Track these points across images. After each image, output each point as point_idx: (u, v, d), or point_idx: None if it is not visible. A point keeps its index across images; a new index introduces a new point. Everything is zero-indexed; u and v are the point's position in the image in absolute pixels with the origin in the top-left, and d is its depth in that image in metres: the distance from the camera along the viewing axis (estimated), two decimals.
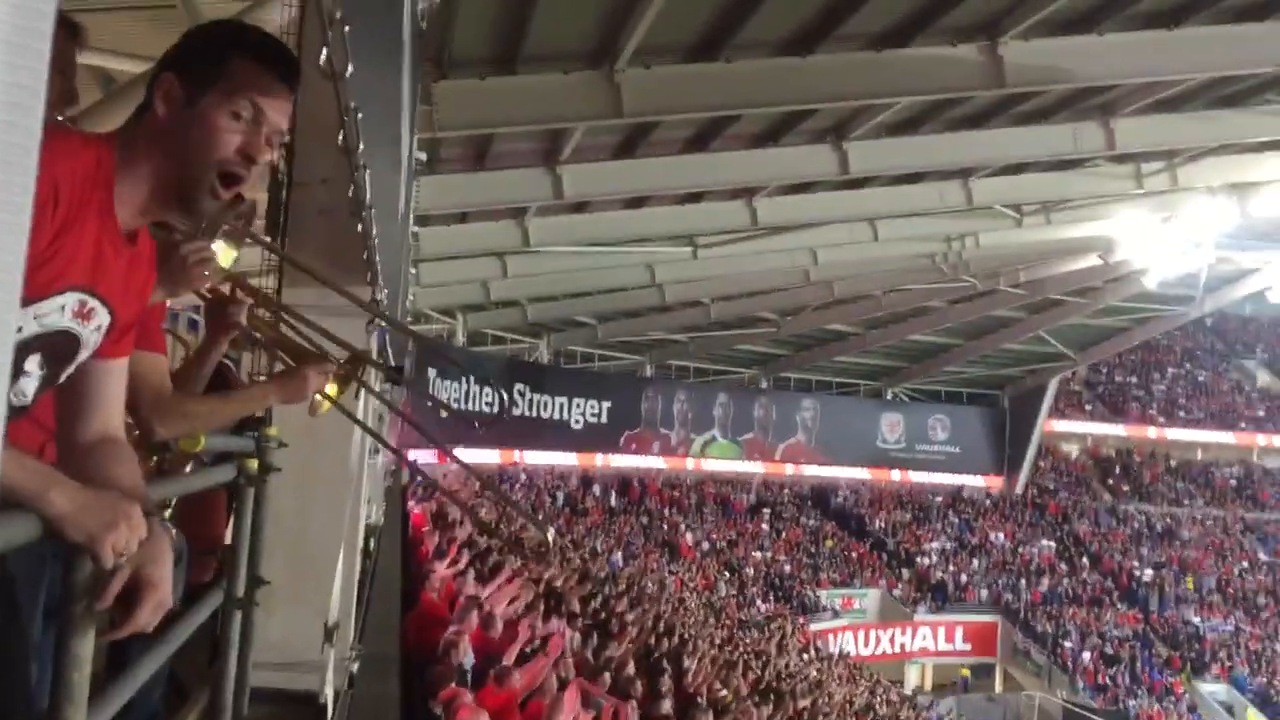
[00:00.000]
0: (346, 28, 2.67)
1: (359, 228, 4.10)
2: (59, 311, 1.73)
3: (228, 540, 3.76)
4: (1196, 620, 33.64)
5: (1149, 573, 35.71)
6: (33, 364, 1.78)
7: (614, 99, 11.84)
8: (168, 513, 3.56)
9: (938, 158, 16.69)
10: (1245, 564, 36.99)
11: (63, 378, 1.85)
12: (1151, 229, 22.80)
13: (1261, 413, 43.95)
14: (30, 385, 1.79)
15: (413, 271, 16.49)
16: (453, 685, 6.50)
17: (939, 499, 38.17)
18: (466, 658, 7.39)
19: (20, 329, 1.70)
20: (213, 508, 4.39)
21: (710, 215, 18.80)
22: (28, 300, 1.68)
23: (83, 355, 1.85)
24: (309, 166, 3.80)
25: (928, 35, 11.90)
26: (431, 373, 26.98)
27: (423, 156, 12.79)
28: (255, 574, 3.21)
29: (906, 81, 12.74)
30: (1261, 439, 42.59)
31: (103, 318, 1.82)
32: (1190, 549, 37.30)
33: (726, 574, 31.74)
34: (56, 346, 1.78)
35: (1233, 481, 41.57)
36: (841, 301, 28.20)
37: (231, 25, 1.96)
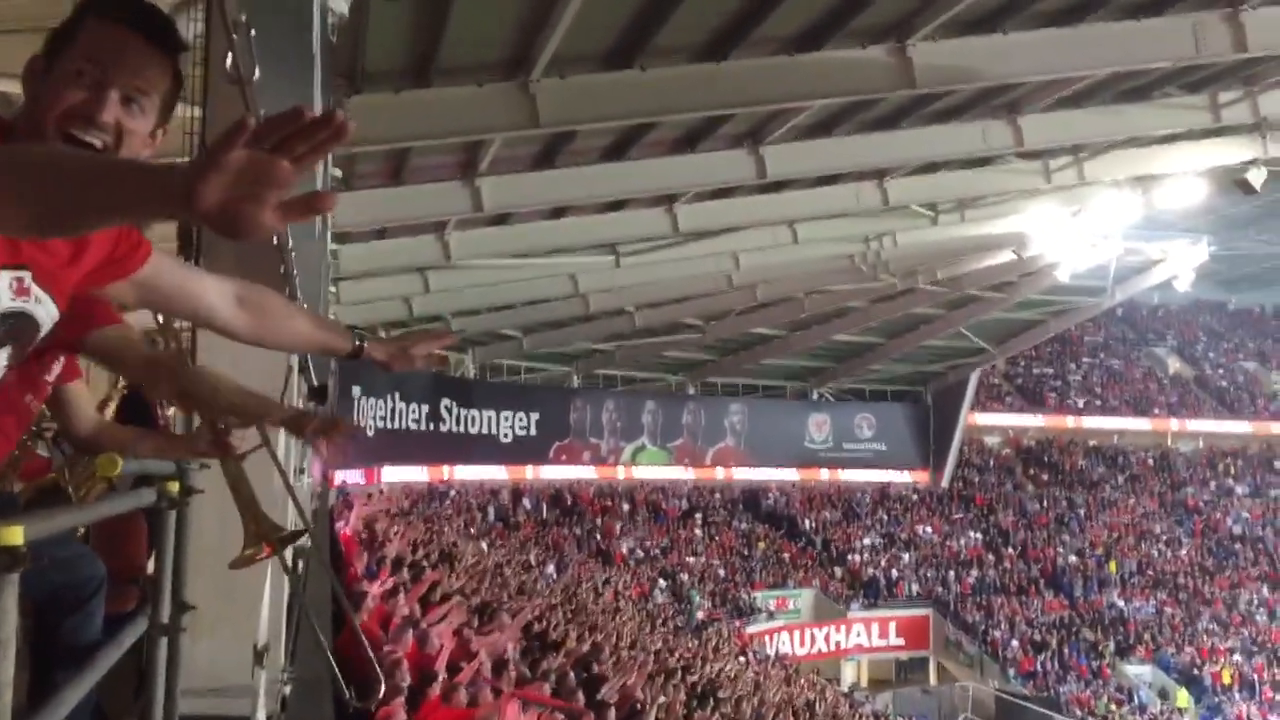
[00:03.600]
0: (252, 31, 2.62)
1: (274, 242, 4.03)
2: (6, 291, 1.69)
3: (150, 568, 3.67)
4: (1121, 603, 34.46)
5: (1073, 559, 36.51)
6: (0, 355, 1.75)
7: (530, 109, 11.82)
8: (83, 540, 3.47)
9: (853, 159, 16.93)
10: (1163, 546, 37.98)
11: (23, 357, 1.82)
12: (1062, 223, 23.36)
13: (1174, 398, 45.21)
14: None
15: (332, 290, 16.28)
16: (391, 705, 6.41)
17: (867, 496, 38.64)
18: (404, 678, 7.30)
19: None
20: (133, 534, 4.26)
21: (631, 223, 18.85)
22: None
23: (43, 333, 1.81)
24: None
25: (839, 38, 12.07)
26: (356, 390, 26.66)
27: (338, 173, 12.65)
28: (180, 599, 3.13)
29: (820, 84, 12.91)
30: (1175, 424, 43.81)
31: (39, 292, 1.77)
32: (1111, 533, 38.22)
33: (661, 581, 31.77)
34: (15, 331, 1.74)
35: (1150, 464, 42.71)
36: (765, 305, 28.43)
37: None
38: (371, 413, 28.08)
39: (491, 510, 32.83)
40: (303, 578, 5.84)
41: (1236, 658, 32.32)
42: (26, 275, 1.74)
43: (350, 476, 25.97)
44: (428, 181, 15.12)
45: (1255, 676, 31.58)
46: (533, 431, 33.88)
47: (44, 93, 1.73)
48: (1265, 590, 35.93)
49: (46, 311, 1.81)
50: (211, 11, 2.81)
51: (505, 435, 33.25)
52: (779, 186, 17.94)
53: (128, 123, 1.76)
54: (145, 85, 1.78)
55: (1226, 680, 31.11)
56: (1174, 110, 16.58)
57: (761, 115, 14.59)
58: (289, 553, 4.36)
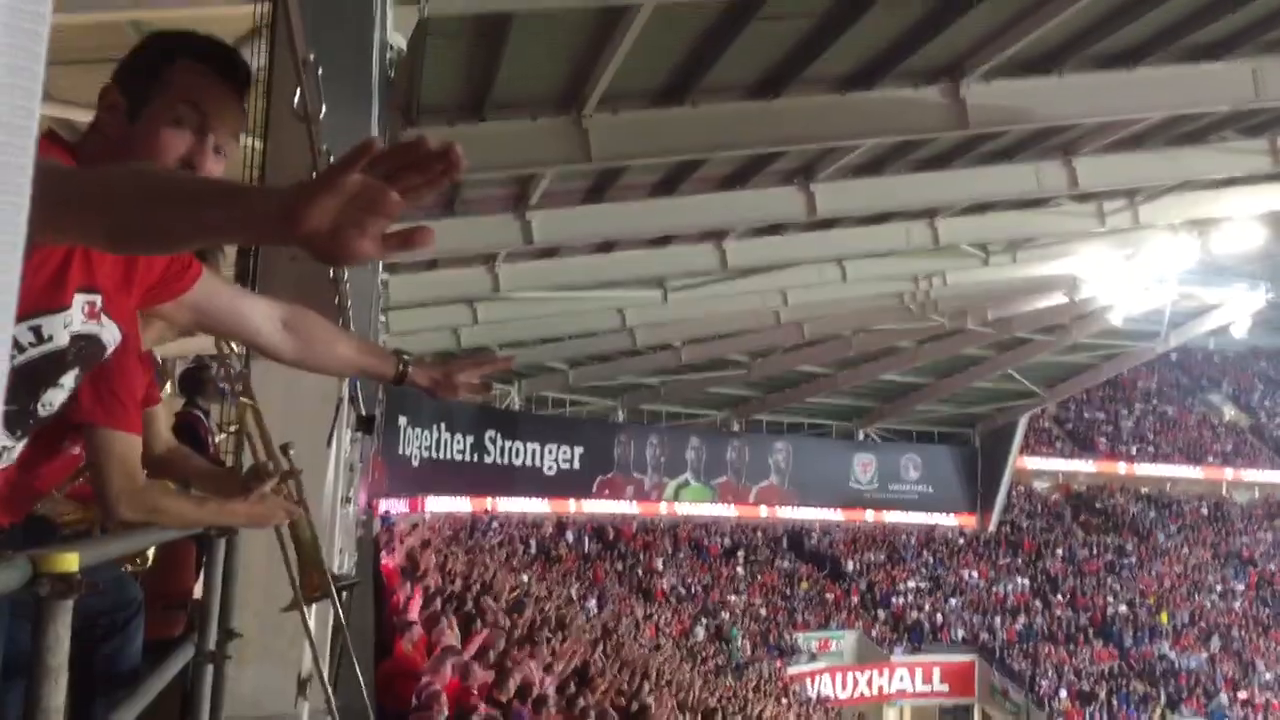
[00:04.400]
0: (320, 70, 2.66)
1: (330, 274, 4.08)
2: (79, 315, 1.73)
3: (197, 593, 3.69)
4: (1172, 654, 33.69)
5: (1123, 608, 35.78)
6: (69, 378, 1.77)
7: (582, 144, 11.91)
8: (146, 565, 3.50)
9: (904, 198, 16.85)
10: (1216, 597, 37.13)
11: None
12: (1115, 266, 23.07)
13: (1229, 447, 44.36)
14: (60, 397, 1.79)
15: (382, 320, 16.43)
16: None
17: (913, 538, 38.16)
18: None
19: (51, 338, 1.70)
20: (181, 560, 4.30)
21: (680, 258, 18.87)
22: (53, 310, 1.68)
23: (107, 355, 1.85)
24: None
25: (891, 78, 12.07)
26: (402, 420, 26.84)
27: None
28: (227, 627, 3.14)
29: (871, 123, 12.89)
30: (1229, 473, 42.95)
31: (105, 317, 1.82)
32: (1163, 583, 37.43)
33: (703, 619, 31.53)
34: (84, 353, 1.77)
35: (1203, 512, 41.83)
36: (812, 342, 28.29)
37: (173, 32, 1.90)
38: (417, 443, 28.25)
39: (534, 543, 32.81)
40: (347, 606, 5.85)
41: None
42: (99, 299, 1.78)
43: (395, 506, 26.08)
44: (479, 214, 15.25)
45: None
46: (576, 465, 33.87)
47: (141, 135, 1.76)
48: None
49: (110, 335, 1.85)
50: (276, 45, 2.86)
51: (549, 468, 33.27)
52: (828, 224, 17.89)
53: (214, 169, 1.81)
54: (234, 134, 1.84)
55: None
56: (1232, 154, 16.36)
57: (812, 153, 14.60)
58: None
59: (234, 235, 1.27)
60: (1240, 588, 37.93)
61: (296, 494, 3.22)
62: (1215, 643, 34.45)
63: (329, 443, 3.62)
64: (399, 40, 7.65)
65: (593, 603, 27.76)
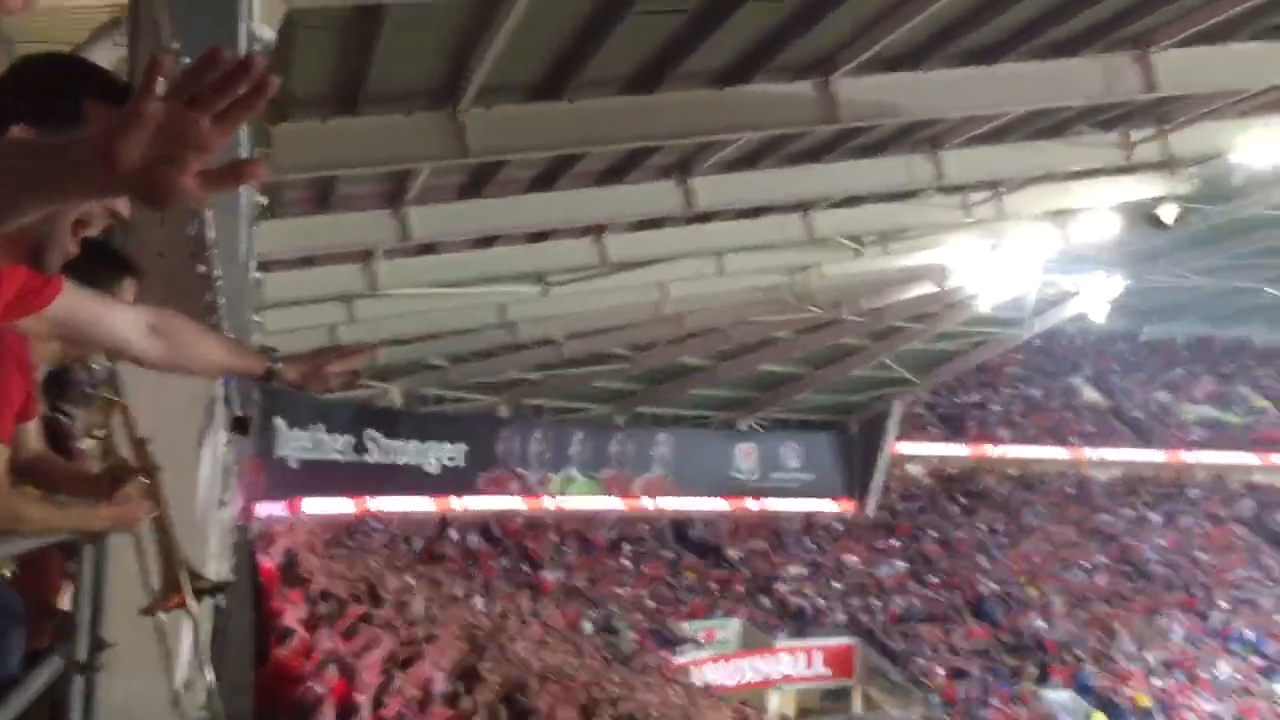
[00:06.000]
0: (184, 60, 2.59)
1: (200, 269, 3.98)
2: None
3: (64, 603, 3.57)
4: (1041, 629, 35.01)
5: (995, 586, 37.05)
6: None
7: (458, 139, 11.80)
8: (7, 573, 3.37)
9: (779, 192, 17.13)
10: (1082, 573, 38.71)
11: None
12: (982, 256, 23.87)
13: (1089, 427, 46.20)
14: None
15: (258, 319, 16.03)
16: None
17: (794, 526, 38.87)
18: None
19: None
20: (46, 568, 4.15)
21: (559, 253, 18.86)
22: None
23: None
24: None
25: (765, 73, 12.25)
26: (279, 422, 26.26)
27: (263, 200, 12.49)
28: (98, 636, 3.05)
29: (747, 118, 13.07)
30: (1090, 452, 44.76)
31: None
32: (1032, 560, 38.87)
33: (590, 612, 31.60)
34: None
35: (1068, 491, 43.58)
36: (692, 335, 28.58)
37: (73, 63, 1.84)
38: (295, 444, 27.66)
39: (418, 542, 32.43)
40: (228, 612, 5.73)
41: (1156, 680, 33.01)
42: None
43: (273, 509, 25.51)
44: (355, 210, 14.99)
45: (1170, 699, 32.25)
46: (460, 462, 33.61)
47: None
48: (1180, 615, 36.77)
49: None
50: (138, 36, 2.78)
51: (432, 466, 32.94)
52: (706, 218, 18.10)
53: (124, 206, 1.78)
54: None
55: (1143, 703, 31.73)
56: (1088, 148, 17.06)
57: (690, 147, 14.73)
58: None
59: (62, 191, 1.20)
60: (1104, 562, 39.61)
61: (157, 492, 3.17)
62: (1081, 616, 35.92)
63: (200, 443, 3.54)
64: (268, 32, 7.47)
65: (479, 600, 27.58)
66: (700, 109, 12.60)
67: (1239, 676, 33.88)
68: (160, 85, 1.05)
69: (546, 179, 15.09)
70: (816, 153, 15.86)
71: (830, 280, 23.59)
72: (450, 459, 33.37)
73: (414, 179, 13.86)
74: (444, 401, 34.83)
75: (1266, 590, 39.01)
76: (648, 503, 37.69)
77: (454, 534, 33.76)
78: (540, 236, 18.11)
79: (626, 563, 35.41)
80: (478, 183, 14.77)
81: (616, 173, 15.34)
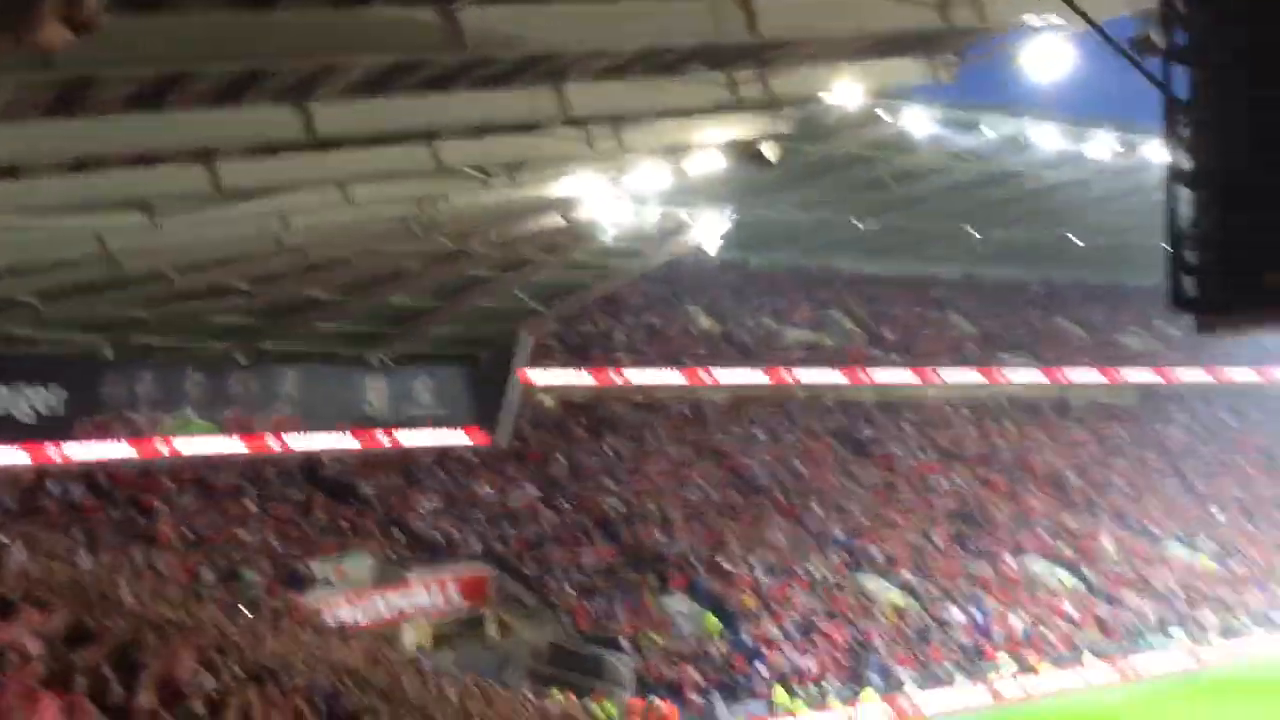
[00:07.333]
0: None
1: None
2: None
3: None
4: (662, 540, 37.27)
5: (620, 506, 38.94)
6: None
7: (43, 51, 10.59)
8: None
9: (405, 120, 16.84)
10: (698, 489, 41.48)
11: None
12: (605, 188, 24.67)
13: (704, 352, 49.23)
14: None
15: None
16: None
17: (428, 459, 38.82)
18: None
19: None
20: None
21: (168, 179, 17.51)
22: None
23: None
24: None
25: None
26: None
27: None
28: None
29: (369, 42, 12.68)
30: (704, 375, 47.76)
31: None
32: (654, 480, 41.16)
33: (212, 561, 30.08)
34: None
35: (686, 414, 46.39)
36: (316, 267, 27.60)
37: None
38: None
39: (10, 498, 29.41)
40: None
41: (762, 579, 36.19)
42: None
43: None
44: None
45: (773, 597, 35.53)
46: (59, 409, 30.75)
47: None
48: (781, 522, 40.43)
49: None
50: None
51: (25, 414, 29.95)
52: (330, 146, 17.42)
53: None
54: None
55: (749, 604, 34.77)
56: (699, 86, 18.00)
57: (310, 70, 14.08)
58: None
59: None
60: (718, 477, 42.67)
61: None
62: (698, 529, 38.60)
63: None
64: None
65: (84, 556, 25.48)
66: (319, 30, 12.08)
67: (831, 575, 37.81)
68: None
69: (152, 98, 13.90)
70: (444, 82, 15.68)
71: (458, 210, 23.54)
72: (46, 405, 30.44)
73: None
74: (37, 343, 31.51)
75: (853, 495, 43.68)
76: (274, 443, 36.16)
77: (54, 487, 30.89)
78: (145, 161, 16.69)
79: (251, 506, 33.92)
80: (67, 100, 13.35)
81: (231, 94, 14.39)
